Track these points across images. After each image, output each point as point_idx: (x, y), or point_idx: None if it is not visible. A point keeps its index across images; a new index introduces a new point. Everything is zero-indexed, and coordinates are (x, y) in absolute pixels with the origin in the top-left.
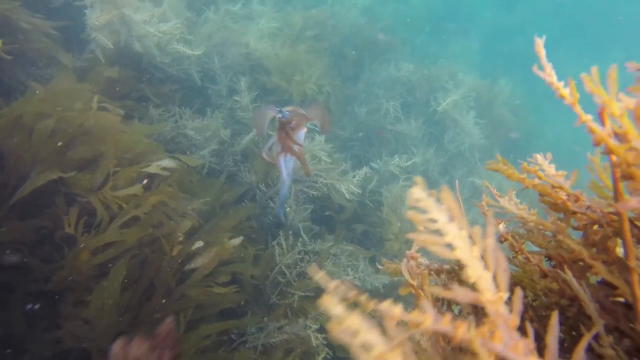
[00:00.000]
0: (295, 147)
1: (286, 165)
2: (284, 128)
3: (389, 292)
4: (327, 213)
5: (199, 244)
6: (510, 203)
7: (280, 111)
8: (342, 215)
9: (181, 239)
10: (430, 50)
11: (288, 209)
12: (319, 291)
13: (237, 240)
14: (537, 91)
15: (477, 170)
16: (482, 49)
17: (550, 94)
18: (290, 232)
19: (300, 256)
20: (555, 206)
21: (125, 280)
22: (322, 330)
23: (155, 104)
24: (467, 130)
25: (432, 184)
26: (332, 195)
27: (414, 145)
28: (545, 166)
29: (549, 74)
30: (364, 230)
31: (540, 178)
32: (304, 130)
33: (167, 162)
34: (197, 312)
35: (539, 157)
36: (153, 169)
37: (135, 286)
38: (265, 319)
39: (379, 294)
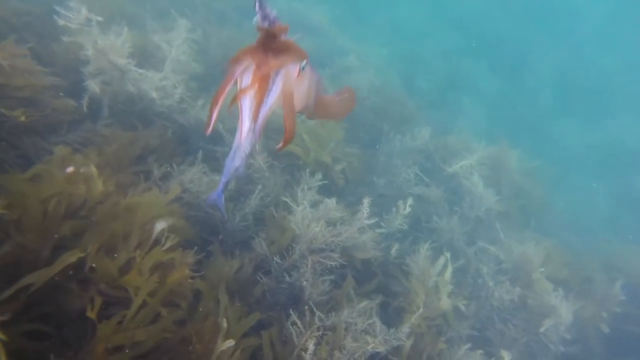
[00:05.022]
0: (281, 82)
1: (251, 109)
2: (267, 44)
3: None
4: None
5: (230, 342)
6: None
7: (263, 9)
8: (364, 287)
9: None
10: (443, 120)
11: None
12: None
13: None
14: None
15: (500, 240)
16: (489, 118)
17: (562, 161)
18: (293, 309)
19: (320, 333)
20: None
21: None
22: None
23: (158, 160)
24: (483, 196)
25: (458, 254)
26: (355, 255)
27: (435, 213)
28: None
29: None
30: (383, 301)
31: None
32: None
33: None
34: None
35: None
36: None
37: None
38: None
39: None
